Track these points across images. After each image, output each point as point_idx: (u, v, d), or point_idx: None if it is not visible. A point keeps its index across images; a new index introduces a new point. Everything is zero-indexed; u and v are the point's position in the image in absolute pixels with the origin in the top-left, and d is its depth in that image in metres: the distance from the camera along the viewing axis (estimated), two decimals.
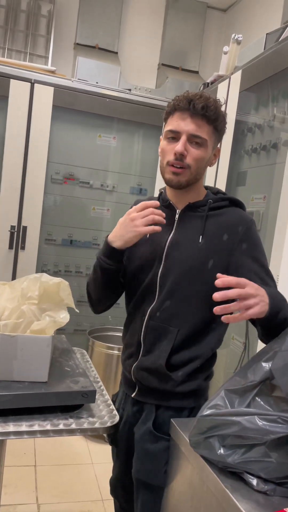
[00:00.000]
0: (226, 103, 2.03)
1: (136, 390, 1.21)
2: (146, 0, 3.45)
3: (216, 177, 2.05)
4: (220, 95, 2.10)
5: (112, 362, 2.50)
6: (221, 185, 1.99)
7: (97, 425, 1.17)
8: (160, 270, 1.14)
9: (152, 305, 1.15)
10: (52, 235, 2.83)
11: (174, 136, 1.09)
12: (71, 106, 2.70)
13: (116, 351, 2.48)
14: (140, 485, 1.17)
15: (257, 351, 0.95)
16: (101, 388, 1.40)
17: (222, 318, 0.89)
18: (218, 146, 1.16)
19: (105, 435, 2.50)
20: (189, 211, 1.15)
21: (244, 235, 1.11)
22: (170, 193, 1.17)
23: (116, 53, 3.29)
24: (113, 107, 2.74)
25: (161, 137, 1.16)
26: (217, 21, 3.57)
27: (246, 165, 1.93)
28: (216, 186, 2.04)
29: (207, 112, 1.06)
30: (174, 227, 1.15)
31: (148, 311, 1.16)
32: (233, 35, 2.14)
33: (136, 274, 1.18)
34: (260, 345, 1.29)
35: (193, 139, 1.08)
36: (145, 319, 1.16)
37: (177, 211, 1.16)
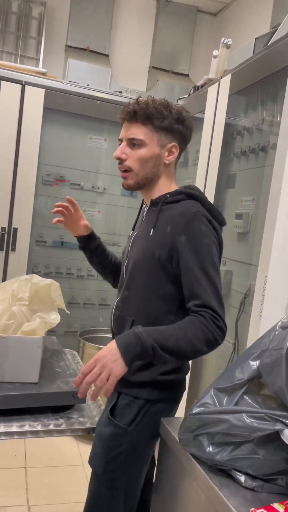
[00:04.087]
0: (216, 106, 2.05)
1: None
2: (137, 4, 3.47)
3: (206, 179, 2.07)
4: (210, 98, 2.12)
5: None
6: (211, 188, 2.01)
7: (87, 425, 1.18)
8: (125, 263, 1.24)
9: (119, 296, 1.24)
10: (43, 236, 2.83)
11: (121, 144, 1.19)
12: (62, 108, 2.70)
13: None
14: (92, 473, 1.21)
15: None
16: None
17: (91, 398, 1.03)
18: (174, 142, 1.18)
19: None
20: (152, 207, 1.21)
21: (184, 228, 1.09)
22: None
23: (107, 55, 3.31)
24: (104, 109, 2.75)
25: None
26: (207, 25, 3.61)
27: (236, 167, 1.95)
28: (206, 188, 2.06)
29: (137, 114, 1.14)
30: (142, 223, 1.24)
31: (116, 301, 1.26)
32: (222, 39, 2.17)
33: (121, 268, 1.31)
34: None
35: (131, 142, 1.16)
36: (113, 308, 1.26)
37: (145, 208, 1.25)
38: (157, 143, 1.16)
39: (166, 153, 1.18)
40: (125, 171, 1.17)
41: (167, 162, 1.18)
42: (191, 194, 1.17)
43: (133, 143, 1.16)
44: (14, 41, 3.25)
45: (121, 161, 1.17)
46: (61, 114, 2.73)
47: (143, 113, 1.14)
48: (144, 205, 1.29)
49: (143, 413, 1.14)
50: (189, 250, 1.08)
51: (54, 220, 1.34)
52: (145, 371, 1.14)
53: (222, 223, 1.20)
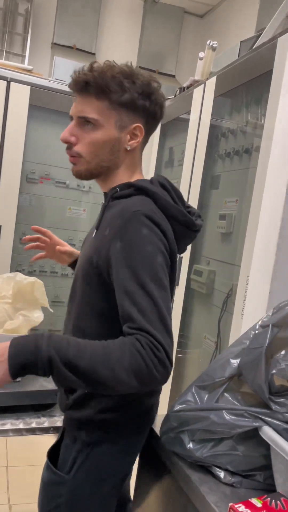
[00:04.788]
0: (201, 107, 2.07)
1: None
2: (124, 3, 3.48)
3: (191, 180, 2.09)
4: (196, 99, 2.14)
5: None
6: (195, 188, 2.03)
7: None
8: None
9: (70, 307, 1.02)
10: (27, 234, 2.80)
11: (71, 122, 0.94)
12: (48, 106, 2.69)
13: None
14: None
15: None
16: None
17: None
18: (138, 123, 0.93)
19: None
20: (103, 202, 1.00)
21: (120, 231, 0.85)
22: None
23: (94, 54, 3.30)
24: None
25: None
26: (194, 27, 3.63)
27: (220, 169, 1.97)
28: (191, 189, 2.08)
29: (88, 86, 0.89)
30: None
31: (66, 314, 1.03)
32: (208, 41, 2.19)
33: None
34: None
35: (82, 121, 0.92)
36: (65, 322, 1.03)
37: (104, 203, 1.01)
38: (115, 124, 0.92)
39: (128, 137, 0.94)
40: (72, 156, 0.93)
41: (128, 147, 0.94)
42: (142, 188, 0.91)
43: (84, 123, 0.91)
44: None
45: (69, 145, 0.93)
46: (47, 112, 2.72)
47: (97, 84, 0.89)
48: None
49: (83, 457, 0.92)
50: (123, 260, 0.82)
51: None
52: (80, 408, 0.92)
53: (188, 225, 0.94)
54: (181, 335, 2.10)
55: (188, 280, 2.03)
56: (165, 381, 0.79)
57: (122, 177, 0.97)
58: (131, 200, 0.90)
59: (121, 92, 0.90)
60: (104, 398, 0.91)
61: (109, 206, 0.94)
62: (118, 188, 0.94)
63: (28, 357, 0.77)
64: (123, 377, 0.75)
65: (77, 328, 0.94)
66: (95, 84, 0.89)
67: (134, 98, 0.91)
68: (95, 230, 0.95)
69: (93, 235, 0.95)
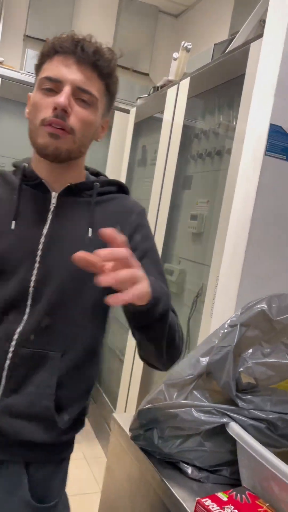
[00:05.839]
0: (174, 108, 2.09)
1: None
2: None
3: (163, 179, 2.11)
4: (169, 99, 2.16)
5: None
6: (168, 188, 2.05)
7: None
8: (33, 276, 0.83)
9: (22, 325, 0.83)
10: None
11: (53, 87, 0.82)
12: (19, 99, 2.63)
13: None
14: None
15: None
16: None
17: (111, 300, 0.61)
18: (107, 118, 0.92)
19: None
20: (71, 196, 0.89)
21: (137, 226, 0.91)
22: (42, 168, 0.88)
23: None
24: None
25: (29, 94, 0.88)
26: (168, 26, 3.65)
27: (192, 169, 2.00)
28: (163, 189, 2.10)
29: (99, 61, 0.82)
30: (50, 216, 0.87)
31: (17, 334, 0.82)
32: (182, 42, 2.21)
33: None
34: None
35: (79, 94, 0.82)
36: (12, 344, 0.82)
37: (53, 194, 0.87)
38: (102, 111, 0.88)
39: (100, 128, 0.91)
40: (62, 128, 0.80)
41: (98, 140, 0.92)
42: (123, 186, 0.97)
43: (83, 98, 0.82)
44: None
45: (62, 114, 0.79)
46: (18, 105, 2.66)
47: (109, 64, 0.84)
48: (36, 187, 0.88)
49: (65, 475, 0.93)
50: (144, 250, 0.90)
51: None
52: (78, 424, 0.93)
53: None
54: None
55: None
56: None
57: (81, 169, 0.93)
58: (128, 197, 0.96)
59: (117, 83, 0.88)
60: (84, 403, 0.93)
61: (96, 203, 0.89)
62: (98, 184, 0.91)
63: (158, 290, 0.73)
64: (181, 341, 0.87)
65: (75, 340, 0.87)
66: (107, 61, 0.83)
67: (116, 95, 0.90)
68: (90, 229, 0.86)
69: (89, 234, 0.86)
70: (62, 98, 0.79)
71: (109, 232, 0.63)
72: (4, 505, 0.83)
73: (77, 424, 0.92)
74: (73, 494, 2.06)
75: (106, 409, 2.55)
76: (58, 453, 0.90)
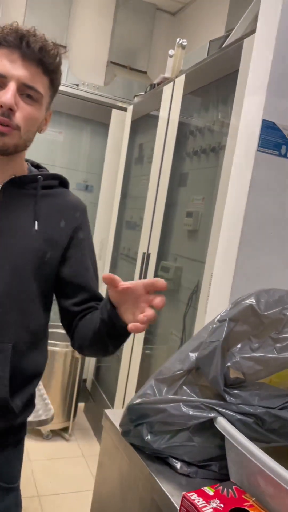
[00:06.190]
0: (170, 105, 2.09)
1: None
2: None
3: (160, 177, 2.10)
4: (165, 97, 2.15)
5: (53, 359, 2.49)
6: (164, 185, 2.05)
7: (30, 419, 1.17)
8: None
9: None
10: None
11: None
12: None
13: (58, 347, 2.48)
14: None
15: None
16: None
17: (132, 329, 0.72)
18: (50, 110, 0.93)
19: (43, 431, 2.48)
20: (14, 188, 0.90)
21: (81, 224, 0.96)
22: None
23: (65, 46, 3.26)
24: (59, 102, 2.71)
25: None
26: (166, 24, 3.64)
27: (188, 167, 2.00)
28: (159, 186, 2.09)
29: (45, 57, 0.82)
30: None
31: None
32: (178, 39, 2.20)
33: None
34: None
35: (25, 90, 0.82)
36: None
37: None
38: (46, 105, 0.89)
39: (44, 121, 0.92)
40: (7, 125, 0.81)
41: (41, 132, 0.93)
42: (65, 181, 0.99)
43: (28, 94, 0.83)
44: None
45: (8, 112, 0.80)
46: None
47: (54, 61, 0.84)
48: None
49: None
50: (86, 248, 0.97)
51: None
52: (30, 406, 0.97)
53: None
54: (148, 331, 2.12)
55: (156, 276, 2.05)
56: None
57: (23, 161, 0.94)
58: (70, 193, 0.99)
59: (60, 77, 0.89)
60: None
61: (41, 196, 0.91)
62: (41, 177, 0.92)
63: None
64: None
65: (23, 329, 0.89)
66: (53, 57, 0.84)
67: (59, 85, 0.91)
68: (36, 222, 0.89)
69: (36, 227, 0.88)
70: (8, 96, 0.79)
71: (109, 277, 0.73)
72: None
73: (29, 406, 0.96)
74: (70, 492, 2.09)
75: (104, 407, 2.56)
76: (14, 435, 0.95)
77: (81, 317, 0.94)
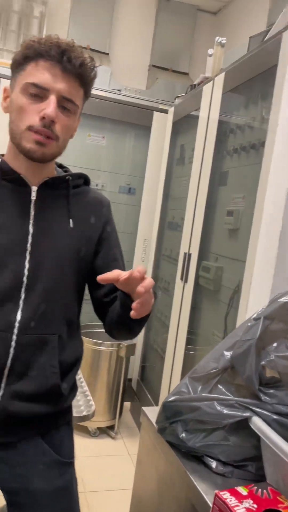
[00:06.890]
0: (210, 104, 2.07)
1: None
2: (137, 2, 3.49)
3: (200, 176, 2.09)
4: (205, 96, 2.14)
5: (98, 358, 2.55)
6: (204, 185, 2.04)
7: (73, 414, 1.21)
8: (26, 266, 0.90)
9: (20, 314, 0.89)
10: None
11: (38, 93, 0.85)
12: None
13: (104, 347, 2.53)
14: None
15: None
16: (80, 379, 1.44)
17: (134, 314, 0.79)
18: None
19: (90, 428, 2.53)
20: (48, 189, 0.95)
21: (108, 217, 1.04)
22: (19, 163, 0.92)
23: (107, 54, 3.33)
24: (103, 107, 2.78)
25: (6, 87, 0.93)
26: (207, 24, 3.62)
27: (228, 165, 1.97)
28: (200, 186, 2.08)
29: (83, 71, 0.88)
30: (33, 209, 0.92)
31: (17, 323, 0.89)
32: (217, 38, 2.19)
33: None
34: None
35: (63, 102, 0.87)
36: (14, 334, 0.89)
37: (32, 188, 0.93)
38: (79, 115, 0.95)
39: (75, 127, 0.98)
40: (48, 137, 0.87)
41: (71, 138, 0.97)
42: (88, 179, 1.05)
43: (66, 106, 0.88)
44: (15, 39, 3.28)
45: (50, 124, 0.85)
46: None
47: (90, 74, 0.90)
48: (14, 181, 0.93)
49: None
50: (113, 240, 1.04)
51: None
52: (75, 388, 1.05)
53: None
54: (190, 332, 2.11)
55: (197, 276, 2.04)
56: None
57: (54, 163, 1.00)
58: (93, 189, 1.05)
59: (93, 85, 0.94)
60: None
61: (71, 195, 0.98)
62: (70, 177, 0.98)
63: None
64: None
65: (65, 321, 0.97)
66: (90, 70, 0.89)
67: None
68: (71, 220, 0.96)
69: (71, 225, 0.96)
70: (50, 109, 0.84)
71: (102, 278, 0.79)
72: (38, 467, 0.96)
73: (73, 390, 1.03)
74: (115, 489, 2.12)
75: (148, 406, 2.57)
76: (65, 417, 1.04)
77: (111, 305, 1.01)
